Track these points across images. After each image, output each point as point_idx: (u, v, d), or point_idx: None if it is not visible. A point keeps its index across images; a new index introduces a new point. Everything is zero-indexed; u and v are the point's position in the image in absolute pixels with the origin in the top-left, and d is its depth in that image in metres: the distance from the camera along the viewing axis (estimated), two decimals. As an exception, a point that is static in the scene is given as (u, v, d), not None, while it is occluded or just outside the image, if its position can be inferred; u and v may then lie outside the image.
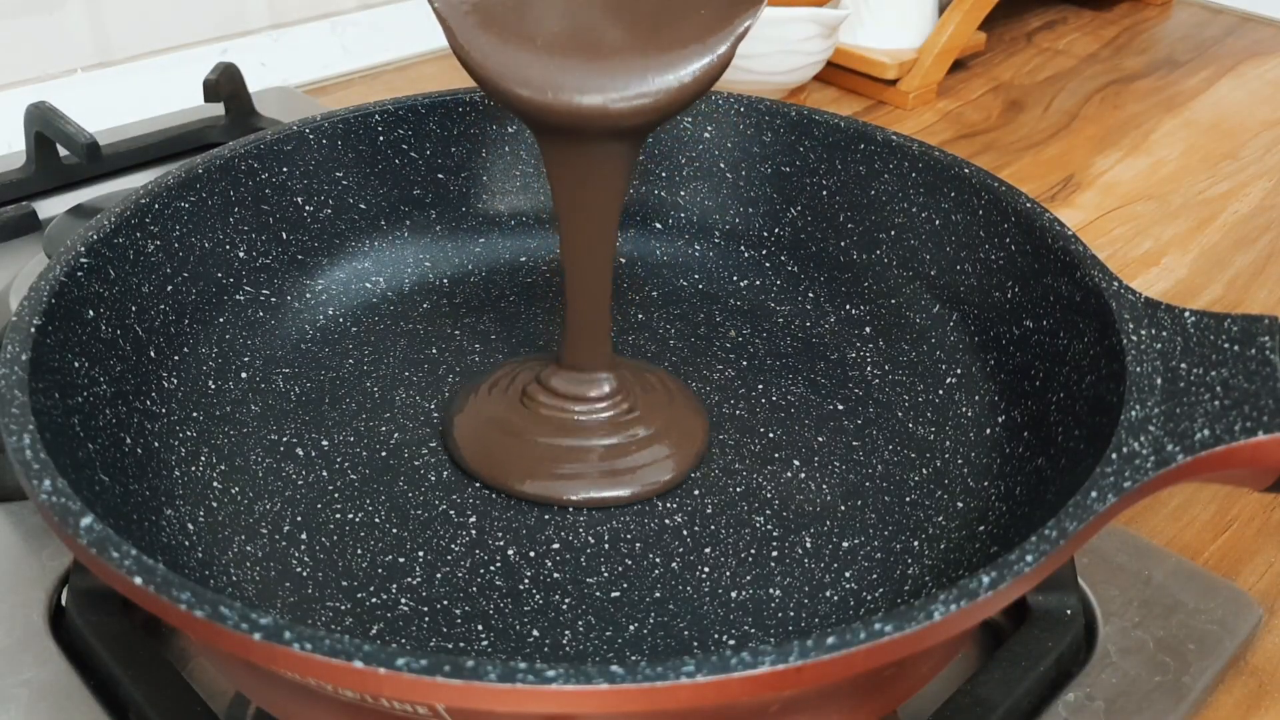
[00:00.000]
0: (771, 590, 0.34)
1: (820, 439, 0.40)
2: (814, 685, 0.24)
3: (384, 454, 0.39)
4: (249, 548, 0.35)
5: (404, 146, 0.47)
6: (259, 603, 0.33)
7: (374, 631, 0.32)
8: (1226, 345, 0.32)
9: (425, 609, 0.33)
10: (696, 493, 0.38)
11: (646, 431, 0.39)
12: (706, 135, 0.48)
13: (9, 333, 0.32)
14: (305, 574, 0.34)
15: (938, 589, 0.33)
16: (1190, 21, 0.91)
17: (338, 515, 0.36)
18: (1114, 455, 0.29)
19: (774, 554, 0.35)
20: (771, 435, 0.40)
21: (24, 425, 0.29)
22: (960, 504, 0.37)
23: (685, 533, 0.36)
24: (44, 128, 0.56)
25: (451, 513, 0.37)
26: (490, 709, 0.22)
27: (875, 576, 0.35)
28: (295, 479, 0.38)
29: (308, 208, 0.45)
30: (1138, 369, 0.31)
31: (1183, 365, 0.31)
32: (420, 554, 0.35)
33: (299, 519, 0.36)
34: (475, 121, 0.48)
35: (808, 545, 0.36)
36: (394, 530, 0.36)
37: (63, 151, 0.57)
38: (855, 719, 0.29)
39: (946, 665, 0.32)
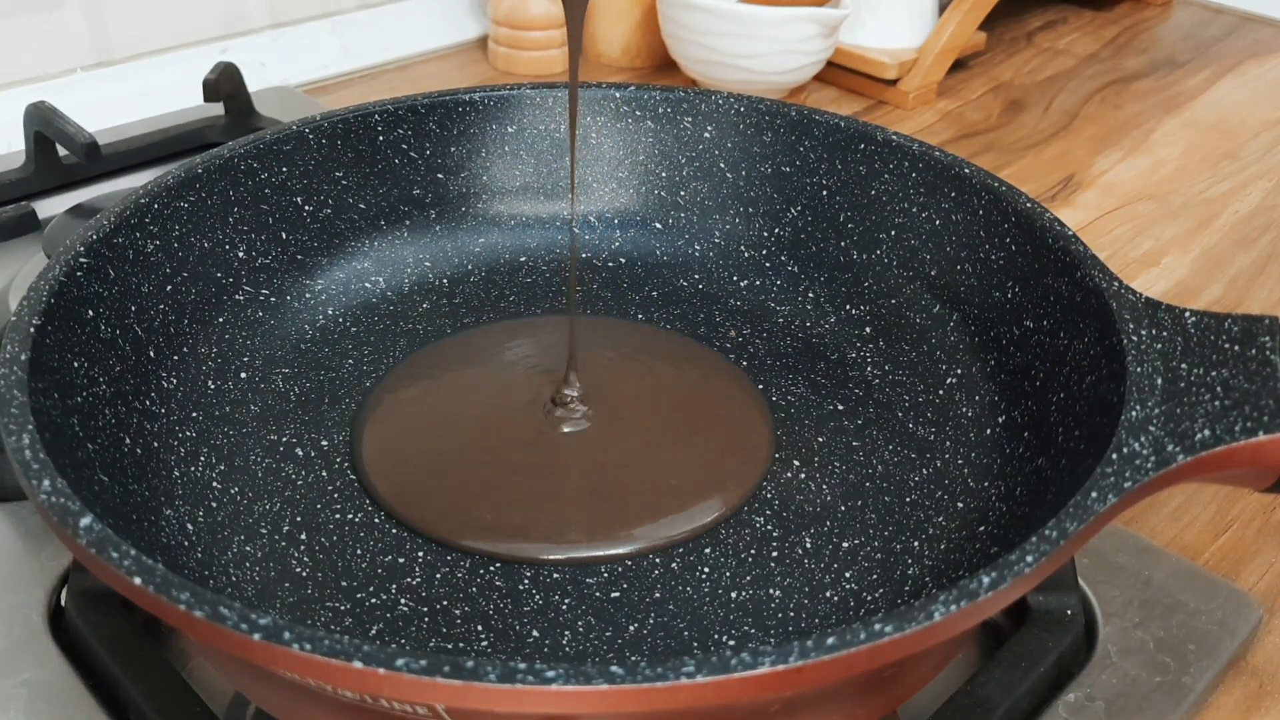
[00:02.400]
0: (771, 590, 0.34)
1: (820, 439, 0.40)
2: (814, 685, 0.24)
3: (384, 454, 0.39)
4: (248, 548, 0.35)
5: (404, 146, 0.47)
6: (258, 603, 0.33)
7: (374, 632, 0.32)
8: (1227, 345, 0.32)
9: (425, 609, 0.33)
10: (696, 493, 0.38)
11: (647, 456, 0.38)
12: (706, 135, 0.48)
13: (8, 333, 0.32)
14: (305, 574, 0.34)
15: (938, 589, 0.33)
16: (1191, 21, 0.91)
17: (337, 515, 0.36)
18: (1114, 455, 0.29)
19: (774, 554, 0.35)
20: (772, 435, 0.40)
21: (23, 425, 0.28)
22: (960, 504, 0.37)
23: (685, 533, 0.36)
24: (43, 127, 0.56)
25: (451, 513, 0.37)
26: (490, 709, 0.22)
27: (875, 577, 0.35)
28: (295, 479, 0.38)
29: (307, 208, 0.45)
30: (1138, 369, 0.31)
31: (1183, 365, 0.31)
32: (420, 554, 0.35)
33: (299, 519, 0.36)
34: (475, 121, 0.48)
35: (808, 545, 0.36)
36: (394, 530, 0.36)
37: (62, 151, 0.57)
38: (855, 719, 0.29)
39: (946, 666, 0.32)
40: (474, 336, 0.44)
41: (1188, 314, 0.33)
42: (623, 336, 0.45)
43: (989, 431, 0.38)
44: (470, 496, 0.37)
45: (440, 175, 0.48)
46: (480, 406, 0.41)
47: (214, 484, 0.37)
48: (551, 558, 0.35)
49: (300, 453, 0.39)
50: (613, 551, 0.35)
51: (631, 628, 0.33)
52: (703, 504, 0.37)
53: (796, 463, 0.39)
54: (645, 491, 0.37)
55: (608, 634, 0.33)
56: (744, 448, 0.39)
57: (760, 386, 0.42)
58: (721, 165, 0.48)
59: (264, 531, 0.36)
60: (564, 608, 0.33)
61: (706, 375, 0.43)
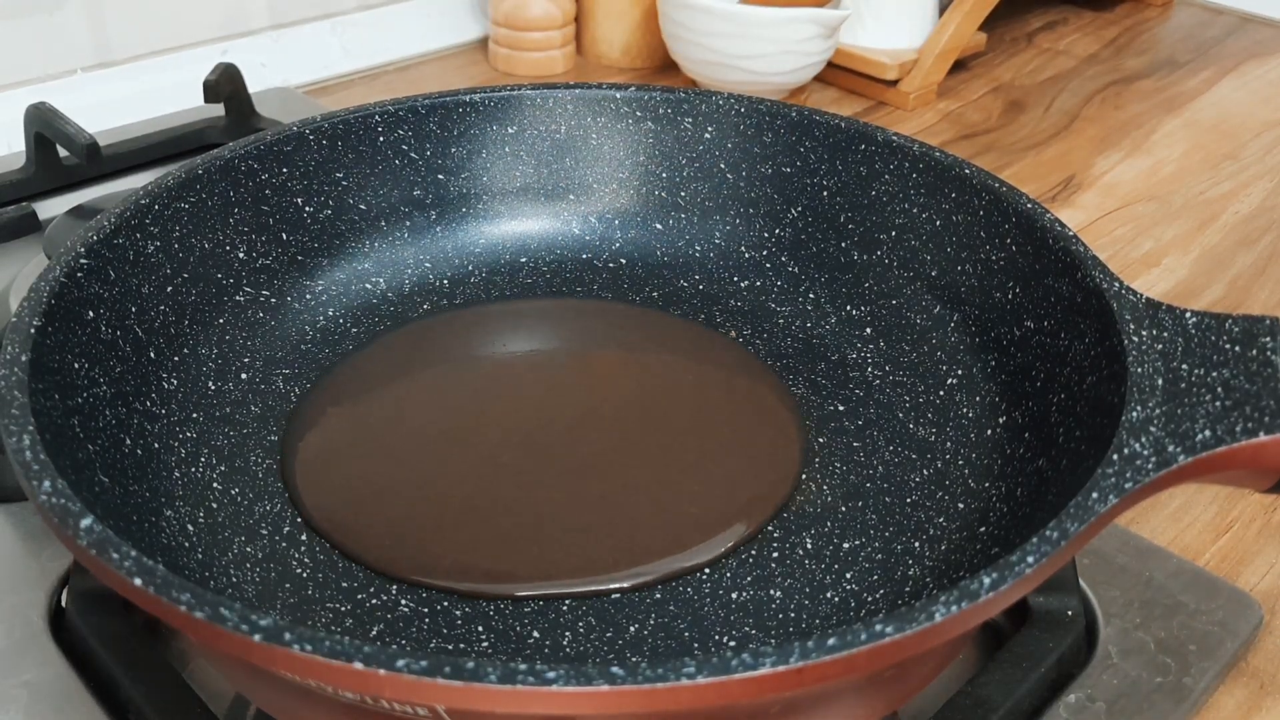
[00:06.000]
0: (772, 591, 0.34)
1: (821, 440, 0.40)
2: (814, 686, 0.24)
3: (384, 455, 0.39)
4: (249, 549, 0.35)
5: (404, 146, 0.47)
6: (259, 604, 0.33)
7: (374, 633, 0.32)
8: (1228, 346, 0.32)
9: (425, 610, 0.33)
10: (697, 493, 0.38)
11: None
12: (707, 136, 0.48)
13: (9, 333, 0.32)
14: (305, 575, 0.34)
15: (938, 590, 0.33)
16: (1191, 22, 0.91)
17: (338, 516, 0.36)
18: (1115, 456, 0.29)
19: (774, 555, 0.35)
20: (772, 436, 0.40)
21: (24, 426, 0.28)
22: (961, 505, 0.37)
23: (686, 534, 0.36)
24: (44, 128, 0.56)
25: (452, 514, 0.37)
26: (491, 710, 0.22)
27: (876, 578, 0.35)
28: (295, 480, 0.38)
29: (308, 208, 0.45)
30: (1139, 370, 0.31)
31: (1184, 366, 0.31)
32: (420, 555, 0.35)
33: (299, 520, 0.36)
34: (475, 121, 0.48)
35: (808, 546, 0.36)
36: (394, 531, 0.36)
37: (63, 152, 0.57)
38: (856, 720, 0.29)
39: (947, 666, 0.32)
40: (437, 325, 0.43)
41: (1188, 314, 0.33)
42: (633, 326, 0.44)
43: (990, 432, 0.38)
44: (433, 534, 0.35)
45: (441, 176, 0.48)
46: (449, 412, 0.40)
47: (214, 485, 0.37)
48: (527, 594, 0.33)
49: (301, 453, 0.39)
50: (608, 587, 0.34)
51: (632, 628, 0.33)
52: (717, 537, 0.35)
53: (797, 463, 0.39)
54: (651, 524, 0.35)
55: (608, 634, 0.33)
56: (769, 463, 0.38)
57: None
58: (722, 166, 0.48)
59: (264, 532, 0.36)
60: (564, 608, 0.33)
61: (728, 373, 0.42)
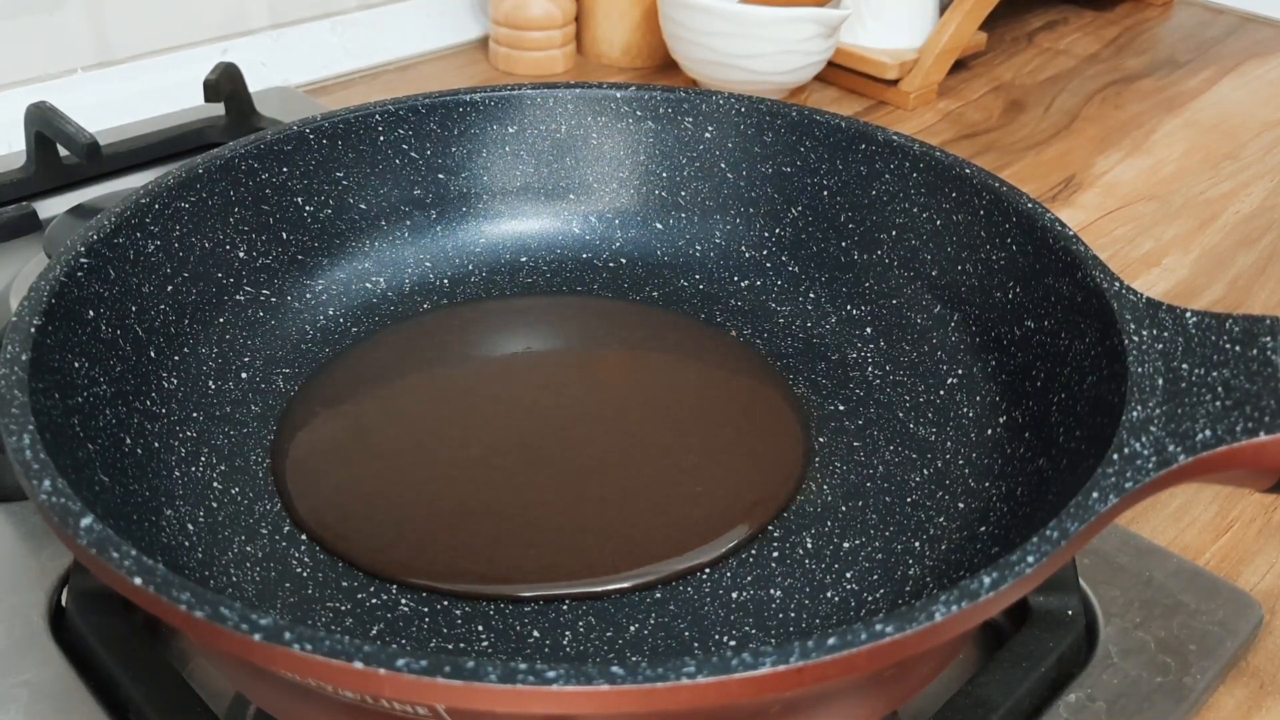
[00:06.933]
0: (772, 591, 0.34)
1: (821, 439, 0.40)
2: (815, 686, 0.24)
3: (384, 454, 0.39)
4: (249, 548, 0.35)
5: (405, 147, 0.47)
6: (259, 603, 0.33)
7: (374, 632, 0.32)
8: (1228, 346, 0.32)
9: (425, 609, 0.33)
10: (697, 493, 0.38)
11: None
12: (707, 135, 0.48)
13: (9, 333, 0.32)
14: (305, 574, 0.34)
15: (939, 590, 0.33)
16: (1191, 21, 0.91)
17: (338, 515, 0.36)
18: (1115, 456, 0.29)
19: (774, 554, 0.35)
20: (772, 436, 0.40)
21: (24, 425, 0.28)
22: (961, 505, 0.37)
23: (686, 533, 0.36)
24: (44, 128, 0.56)
25: (452, 513, 0.37)
26: (491, 709, 0.22)
27: (876, 577, 0.35)
28: (295, 479, 0.38)
29: (308, 208, 0.45)
30: (1139, 369, 0.31)
31: (1184, 366, 0.31)
32: (420, 554, 0.35)
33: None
34: (476, 122, 0.48)
35: (808, 545, 0.36)
36: (394, 531, 0.36)
37: (63, 151, 0.57)
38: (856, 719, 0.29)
39: (947, 666, 0.32)
40: (437, 323, 0.43)
41: (1189, 314, 0.33)
42: (633, 325, 0.44)
43: (990, 432, 0.38)
44: (431, 534, 0.35)
45: (441, 175, 0.48)
46: (448, 412, 0.40)
47: (214, 484, 0.37)
48: (527, 594, 0.33)
49: (301, 453, 0.39)
50: (609, 588, 0.34)
51: (632, 628, 0.33)
52: (718, 539, 0.35)
53: (797, 463, 0.39)
54: (653, 526, 0.35)
55: (608, 634, 0.33)
56: (773, 464, 0.38)
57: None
58: (722, 165, 0.48)
59: (264, 532, 0.36)
60: (564, 607, 0.33)
61: (730, 372, 0.42)
